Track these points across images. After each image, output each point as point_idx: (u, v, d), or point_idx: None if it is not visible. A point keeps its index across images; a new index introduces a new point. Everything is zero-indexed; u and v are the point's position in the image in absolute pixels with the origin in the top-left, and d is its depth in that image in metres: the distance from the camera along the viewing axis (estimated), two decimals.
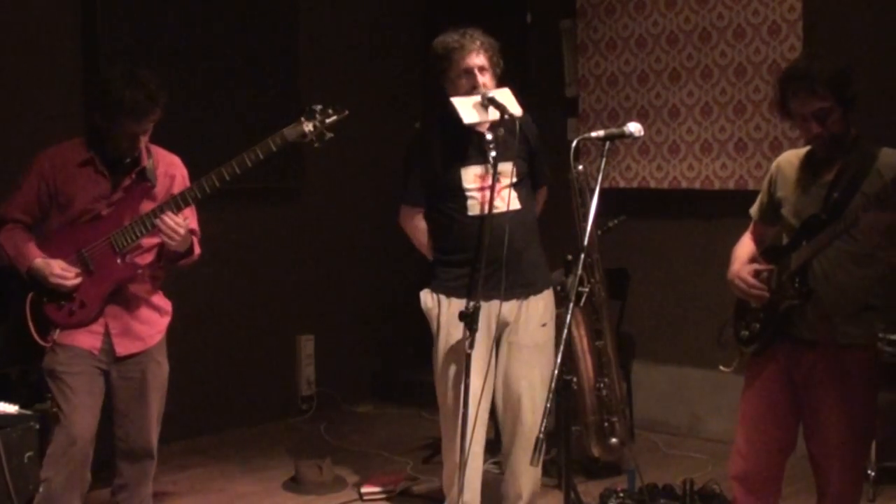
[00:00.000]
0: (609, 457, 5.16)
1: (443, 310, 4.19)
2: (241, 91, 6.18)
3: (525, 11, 6.67)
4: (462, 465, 4.01)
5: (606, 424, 5.06)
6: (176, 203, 3.90)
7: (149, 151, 4.04)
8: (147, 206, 3.98)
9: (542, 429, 3.11)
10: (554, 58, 6.49)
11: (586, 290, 3.36)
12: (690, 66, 5.94)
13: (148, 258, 4.06)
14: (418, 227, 4.31)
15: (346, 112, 4.03)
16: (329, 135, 4.01)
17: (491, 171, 4.03)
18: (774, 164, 3.77)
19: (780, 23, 5.62)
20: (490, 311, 4.07)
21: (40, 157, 4.03)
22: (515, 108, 4.04)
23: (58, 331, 3.96)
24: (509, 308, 4.19)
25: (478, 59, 4.12)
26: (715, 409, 5.84)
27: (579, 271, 3.33)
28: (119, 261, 3.97)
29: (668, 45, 6.02)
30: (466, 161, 4.18)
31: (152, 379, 4.10)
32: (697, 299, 6.00)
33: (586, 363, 5.05)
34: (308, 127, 3.98)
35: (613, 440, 5.06)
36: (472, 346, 3.88)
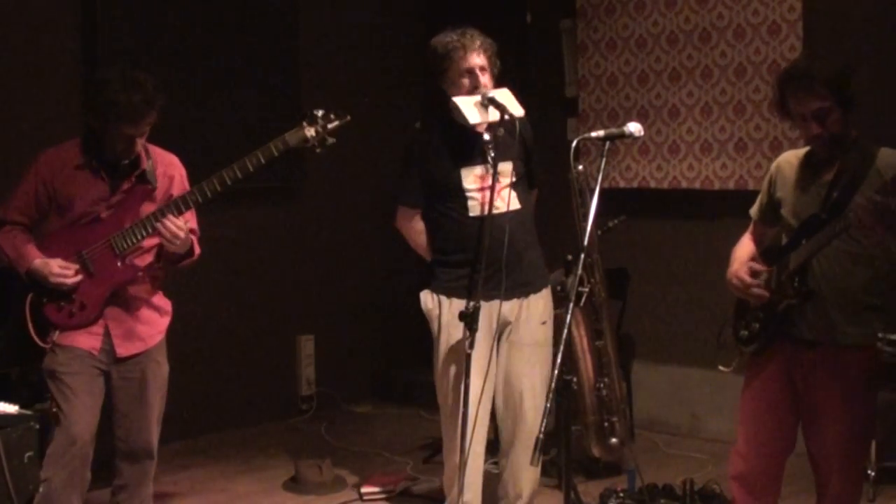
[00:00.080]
0: (609, 457, 5.16)
1: (443, 310, 4.19)
2: (240, 91, 6.18)
3: (525, 11, 6.67)
4: (462, 465, 4.01)
5: (606, 424, 5.06)
6: (177, 206, 3.89)
7: (147, 152, 4.03)
8: (147, 208, 3.98)
9: (542, 429, 3.12)
10: (554, 58, 6.49)
11: (586, 290, 3.36)
12: (690, 66, 5.94)
13: (148, 259, 4.06)
14: (416, 228, 4.31)
15: (349, 117, 4.03)
16: (331, 140, 4.01)
17: (491, 171, 4.03)
18: (774, 164, 3.77)
19: (780, 23, 5.62)
20: (491, 310, 4.07)
21: (39, 158, 4.03)
22: (516, 109, 4.04)
23: (57, 332, 3.95)
24: (510, 307, 4.19)
25: (478, 59, 4.12)
26: (715, 409, 5.84)
27: (579, 271, 3.33)
28: (119, 263, 3.96)
29: (668, 45, 6.01)
30: (466, 162, 4.18)
31: (152, 379, 4.10)
32: (697, 299, 6.00)
33: (586, 363, 5.05)
34: (310, 132, 3.98)
35: (613, 440, 5.06)
36: (472, 346, 3.88)
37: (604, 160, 3.50)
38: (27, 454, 3.96)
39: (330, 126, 4.00)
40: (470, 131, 4.16)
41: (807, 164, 3.62)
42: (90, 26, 5.65)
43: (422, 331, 4.41)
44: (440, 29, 4.24)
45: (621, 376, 5.17)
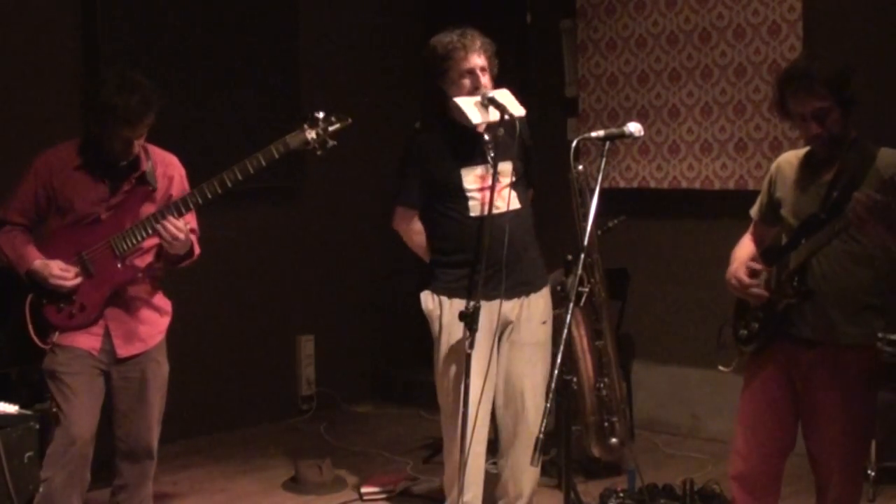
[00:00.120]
0: (609, 457, 5.15)
1: (444, 311, 4.18)
2: (240, 91, 6.18)
3: (525, 11, 6.67)
4: (462, 466, 4.01)
5: (606, 424, 5.05)
6: (177, 208, 3.89)
7: (147, 153, 4.03)
8: (147, 209, 3.98)
9: (542, 429, 3.12)
10: (554, 58, 6.49)
11: (586, 290, 3.36)
12: (690, 66, 5.94)
13: (147, 259, 4.06)
14: (414, 229, 4.30)
15: (350, 120, 4.03)
16: (332, 142, 4.00)
17: (491, 171, 4.03)
18: (774, 164, 3.77)
19: (780, 23, 5.62)
20: (492, 310, 4.07)
21: (38, 159, 4.03)
22: (516, 108, 4.05)
23: (57, 333, 3.95)
24: (511, 307, 4.20)
25: (479, 60, 4.13)
26: (715, 409, 5.84)
27: (579, 271, 3.33)
28: (119, 265, 3.97)
29: (668, 45, 6.01)
30: (466, 162, 4.18)
31: (152, 379, 4.10)
32: (697, 299, 6.00)
33: (586, 363, 5.04)
34: (311, 134, 3.98)
35: (613, 440, 5.05)
36: (472, 346, 3.88)
37: (604, 160, 3.50)
38: (27, 454, 3.96)
39: (331, 129, 4.00)
40: (471, 131, 4.16)
41: (807, 164, 3.62)
42: (90, 26, 5.65)
43: (422, 331, 4.41)
44: (440, 29, 4.24)
45: (621, 376, 5.17)
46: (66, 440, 3.94)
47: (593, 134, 3.64)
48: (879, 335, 3.46)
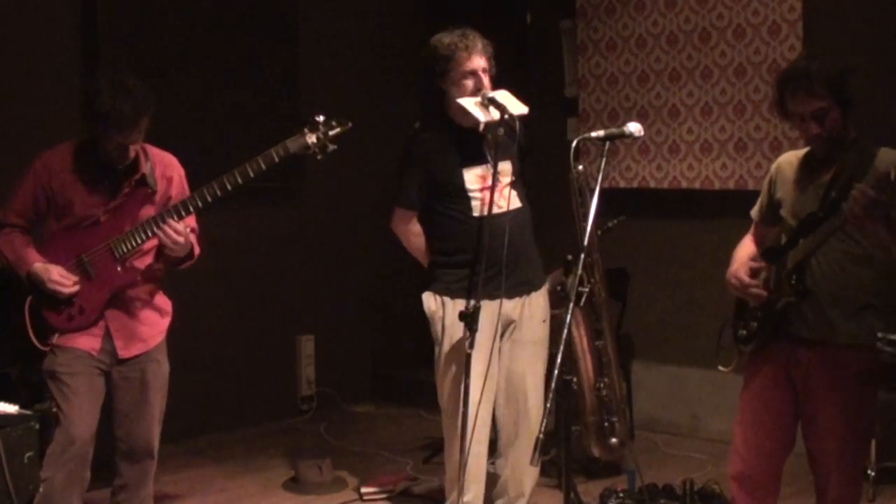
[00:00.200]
0: (609, 457, 5.16)
1: (447, 311, 4.18)
2: (240, 91, 6.18)
3: (525, 11, 6.68)
4: (462, 466, 4.01)
5: (606, 424, 5.05)
6: (177, 211, 3.90)
7: (146, 154, 4.03)
8: (147, 211, 3.98)
9: (542, 429, 3.12)
10: (554, 58, 6.49)
11: (586, 290, 3.36)
12: (690, 66, 5.94)
13: (147, 260, 4.06)
14: (414, 230, 4.30)
15: (350, 125, 4.03)
16: (332, 147, 4.00)
17: (491, 170, 4.03)
18: (774, 164, 3.77)
19: (780, 23, 5.62)
20: (496, 310, 4.07)
21: (37, 160, 4.02)
22: (517, 108, 4.05)
23: (56, 335, 3.95)
24: (513, 306, 4.21)
25: (481, 61, 4.14)
26: (715, 409, 5.84)
27: (579, 271, 3.33)
28: (119, 267, 3.96)
29: (668, 45, 6.01)
30: (467, 162, 4.18)
31: (153, 379, 4.10)
32: (697, 299, 6.00)
33: (586, 363, 5.05)
34: (311, 139, 3.98)
35: (613, 440, 5.05)
36: (472, 345, 3.88)
37: (604, 160, 3.50)
38: (27, 454, 3.95)
39: (331, 133, 4.00)
40: (470, 131, 4.17)
41: (806, 164, 3.62)
42: (90, 27, 5.65)
43: (422, 331, 4.41)
44: (440, 29, 4.25)
45: (621, 376, 5.17)
46: (65, 440, 3.94)
47: (593, 134, 3.64)
48: (879, 335, 3.46)
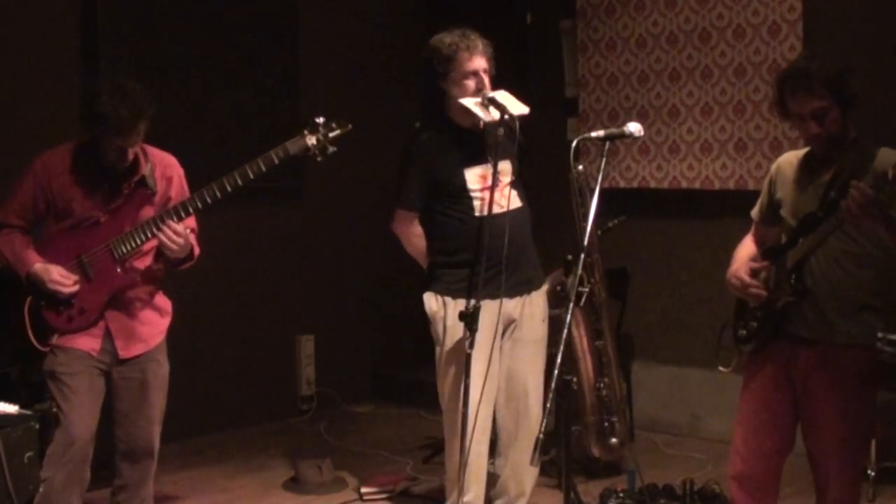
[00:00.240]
0: (609, 457, 5.17)
1: (449, 312, 4.17)
2: (240, 91, 6.18)
3: (525, 11, 6.68)
4: (462, 466, 4.01)
5: (606, 424, 5.06)
6: (177, 212, 3.90)
7: (146, 155, 4.02)
8: (147, 212, 3.98)
9: (542, 429, 3.12)
10: (554, 58, 6.49)
11: (586, 290, 3.36)
12: (690, 66, 5.94)
13: (147, 261, 4.06)
14: (415, 232, 4.30)
15: (350, 126, 4.03)
16: (332, 149, 4.00)
17: (491, 170, 4.04)
18: (774, 165, 3.77)
19: (780, 23, 5.62)
20: (497, 309, 4.07)
21: (37, 161, 4.01)
22: (518, 108, 4.06)
23: (56, 336, 3.95)
24: (514, 305, 4.22)
25: (482, 61, 4.15)
26: (715, 409, 5.84)
27: (579, 271, 3.33)
28: (118, 269, 3.96)
29: (668, 45, 6.02)
30: (468, 162, 4.19)
31: (153, 379, 4.10)
32: (697, 299, 6.00)
33: (586, 363, 5.06)
34: (311, 140, 3.98)
35: (613, 440, 5.06)
36: (472, 346, 3.88)
37: (604, 160, 3.50)
38: (27, 454, 3.95)
39: (331, 135, 4.00)
40: (470, 131, 4.17)
41: (806, 164, 3.62)
42: (90, 27, 5.65)
43: (422, 331, 4.41)
44: (440, 29, 4.25)
45: (621, 376, 5.18)
46: (65, 440, 3.94)
47: (593, 134, 3.64)
48: (879, 335, 3.46)
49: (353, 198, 6.75)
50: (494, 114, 4.01)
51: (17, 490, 3.88)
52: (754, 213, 3.84)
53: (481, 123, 4.11)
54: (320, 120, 4.00)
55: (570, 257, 4.40)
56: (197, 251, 4.11)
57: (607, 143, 3.55)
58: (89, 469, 4.03)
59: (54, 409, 3.99)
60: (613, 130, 3.64)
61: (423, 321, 4.31)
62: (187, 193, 4.08)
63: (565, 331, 3.26)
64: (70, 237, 3.97)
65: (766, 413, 3.67)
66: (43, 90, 5.51)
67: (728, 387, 4.24)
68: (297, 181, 6.44)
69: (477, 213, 4.14)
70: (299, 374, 6.66)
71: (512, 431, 4.30)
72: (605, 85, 6.25)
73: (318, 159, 4.01)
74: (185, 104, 5.86)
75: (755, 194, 3.87)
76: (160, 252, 4.02)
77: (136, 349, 4.05)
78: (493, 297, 4.05)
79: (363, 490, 5.23)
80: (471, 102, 4.07)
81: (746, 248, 3.80)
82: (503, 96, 4.08)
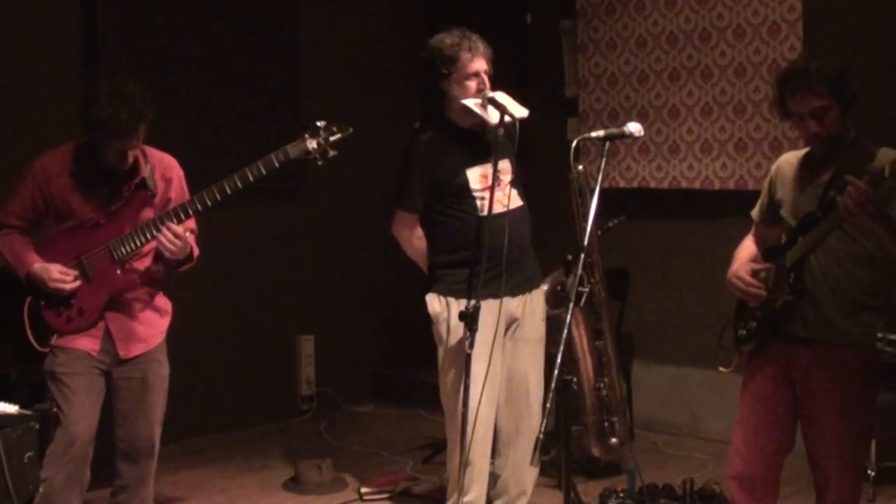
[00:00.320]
0: (609, 457, 5.17)
1: (452, 312, 4.16)
2: (240, 92, 6.17)
3: (525, 11, 6.68)
4: (462, 465, 4.01)
5: (606, 424, 5.07)
6: (177, 214, 3.90)
7: (145, 156, 4.02)
8: (147, 214, 3.98)
9: (542, 429, 3.12)
10: (554, 58, 6.49)
11: (586, 290, 3.36)
12: (690, 66, 5.94)
13: (146, 262, 4.06)
14: (417, 234, 4.29)
15: (351, 130, 4.03)
16: (332, 152, 4.00)
17: (491, 170, 4.04)
18: (774, 165, 3.78)
19: (780, 23, 5.62)
20: (501, 308, 4.08)
21: (36, 162, 4.01)
22: (517, 109, 4.06)
23: (55, 336, 3.95)
24: (516, 304, 4.23)
25: (483, 63, 4.15)
26: (715, 409, 5.84)
27: (579, 271, 3.33)
28: (118, 270, 3.96)
29: (668, 45, 6.02)
30: (469, 162, 4.19)
31: (153, 379, 4.10)
32: (697, 299, 6.00)
33: (586, 363, 5.06)
34: (312, 144, 3.98)
35: (613, 440, 5.07)
36: (472, 346, 3.88)
37: (604, 160, 3.50)
38: (27, 454, 3.96)
39: (332, 138, 4.00)
40: (470, 132, 4.17)
41: (806, 164, 3.63)
42: (90, 28, 5.65)
43: (422, 331, 4.41)
44: (440, 29, 4.25)
45: (621, 376, 5.18)
46: (65, 440, 3.94)
47: (593, 134, 3.64)
48: (879, 335, 3.46)
49: (353, 198, 6.75)
50: (494, 114, 4.01)
51: (17, 490, 3.89)
52: (754, 213, 3.84)
53: (487, 124, 4.11)
54: (321, 123, 4.00)
55: (570, 257, 4.41)
56: (196, 253, 4.11)
57: (607, 143, 3.55)
58: (89, 469, 4.03)
59: (54, 409, 4.00)
60: (613, 130, 3.64)
61: (422, 321, 4.31)
62: (187, 195, 4.08)
63: (565, 331, 3.26)
64: (70, 238, 3.97)
65: (766, 413, 3.67)
66: (43, 90, 5.51)
67: (728, 387, 4.24)
68: (297, 181, 6.44)
69: (481, 213, 4.14)
70: (299, 374, 6.66)
71: (513, 431, 4.31)
72: (605, 85, 6.26)
73: (319, 163, 4.01)
74: (185, 104, 5.86)
75: (755, 194, 3.87)
76: (160, 253, 4.02)
77: (136, 349, 4.05)
78: (495, 296, 4.05)
79: (363, 490, 5.23)
80: (475, 104, 4.08)
81: (747, 249, 3.81)
82: (503, 97, 4.08)
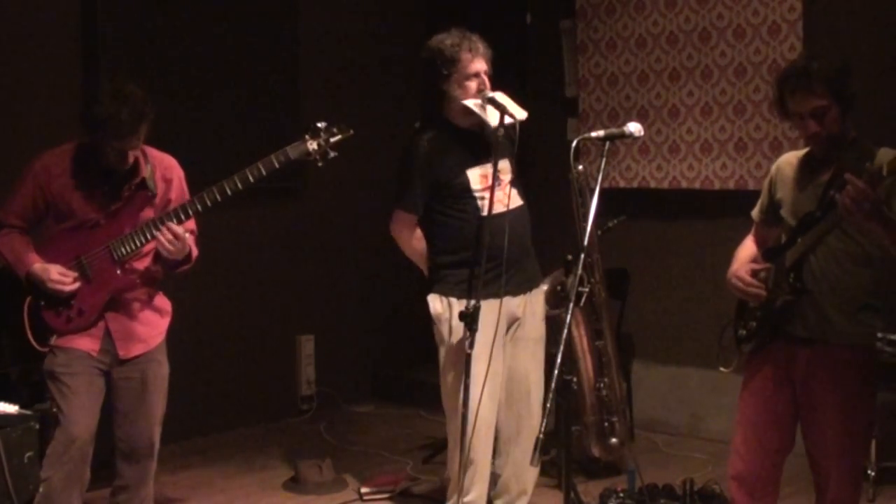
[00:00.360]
0: (609, 457, 5.17)
1: (454, 312, 4.15)
2: (241, 93, 6.17)
3: (525, 11, 6.68)
4: (462, 465, 4.01)
5: (606, 424, 5.07)
6: (177, 215, 3.90)
7: (146, 157, 4.02)
8: (147, 214, 3.98)
9: (542, 429, 3.12)
10: (554, 58, 6.49)
11: (586, 290, 3.36)
12: (690, 66, 5.94)
13: (146, 262, 4.06)
14: (416, 234, 4.29)
15: (351, 132, 4.03)
16: (333, 154, 4.00)
17: (491, 170, 4.04)
18: (775, 165, 3.78)
19: (780, 23, 5.62)
20: (503, 308, 4.07)
21: (36, 162, 4.01)
22: (517, 112, 4.06)
23: (55, 336, 3.95)
24: (518, 303, 4.23)
25: (483, 63, 4.16)
26: (715, 409, 5.84)
27: (579, 271, 3.33)
28: (118, 270, 3.96)
29: (668, 45, 6.02)
30: (470, 163, 4.19)
31: (153, 379, 4.10)
32: (697, 299, 6.00)
33: (586, 363, 5.06)
34: (312, 145, 3.98)
35: (613, 440, 5.07)
36: (471, 346, 3.88)
37: (604, 160, 3.50)
38: (27, 454, 3.96)
39: (332, 140, 4.00)
40: (468, 132, 4.18)
41: (806, 164, 3.63)
42: (90, 28, 5.65)
43: (422, 331, 4.41)
44: (440, 29, 4.25)
45: (621, 376, 5.18)
46: (65, 440, 3.94)
47: (593, 134, 3.64)
48: (879, 335, 3.46)
49: (353, 198, 6.75)
50: (494, 114, 4.01)
51: (17, 490, 3.89)
52: (754, 213, 3.84)
53: (487, 125, 4.11)
54: (321, 125, 4.00)
55: (570, 257, 4.40)
56: (195, 254, 4.11)
57: (607, 143, 3.55)
58: (89, 469, 4.03)
59: (54, 410, 4.00)
60: (613, 130, 3.65)
61: (422, 321, 4.31)
62: (187, 195, 4.08)
63: (565, 331, 3.26)
64: (70, 238, 3.97)
65: (766, 413, 3.67)
66: (43, 90, 5.51)
67: (728, 387, 4.24)
68: (298, 181, 6.43)
69: (483, 213, 4.14)
70: (299, 374, 6.66)
71: (514, 430, 4.30)
72: (605, 85, 6.26)
73: (319, 164, 4.02)
74: (185, 104, 5.86)
75: (755, 194, 3.87)
76: (159, 253, 4.02)
77: (136, 350, 4.05)
78: (496, 295, 4.05)
79: (363, 490, 5.23)
80: (475, 104, 4.08)
81: (747, 249, 3.81)
82: (503, 98, 4.08)
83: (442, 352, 4.23)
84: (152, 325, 4.11)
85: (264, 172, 3.92)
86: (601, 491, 4.91)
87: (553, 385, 3.20)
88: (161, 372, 4.14)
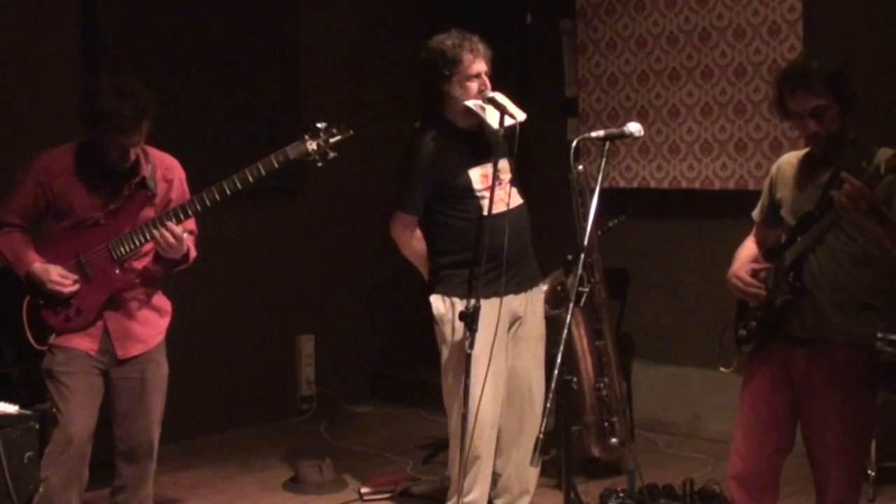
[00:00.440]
0: (609, 457, 5.17)
1: (457, 312, 4.14)
2: (241, 93, 6.18)
3: (525, 11, 6.68)
4: (462, 465, 4.01)
5: (606, 424, 5.07)
6: (176, 215, 3.90)
7: (146, 156, 4.02)
8: (147, 214, 3.98)
9: (542, 429, 3.12)
10: (554, 58, 6.49)
11: (586, 290, 3.36)
12: (690, 66, 5.94)
13: (145, 262, 4.06)
14: (417, 235, 4.28)
15: (351, 132, 4.03)
16: (332, 154, 4.00)
17: (491, 170, 4.04)
18: (775, 165, 3.78)
19: (780, 23, 5.62)
20: (505, 308, 4.07)
21: (37, 161, 4.02)
22: (516, 112, 4.06)
23: (54, 335, 3.95)
24: (519, 302, 4.24)
25: (484, 64, 4.16)
26: (715, 409, 5.84)
27: (579, 271, 3.33)
28: (117, 270, 3.96)
29: (668, 45, 6.01)
30: (471, 163, 4.19)
31: (152, 379, 4.10)
32: (697, 299, 6.00)
33: (586, 363, 5.06)
34: (312, 146, 3.98)
35: (613, 440, 5.07)
36: (472, 346, 3.88)
37: (604, 160, 3.50)
38: (27, 454, 3.95)
39: (332, 140, 4.01)
40: (468, 132, 4.18)
41: (806, 164, 3.63)
42: (91, 27, 5.65)
43: (422, 331, 4.40)
44: (441, 29, 4.24)
45: (621, 376, 5.19)
46: (63, 439, 3.94)
47: (593, 134, 3.64)
48: (879, 335, 3.46)
49: (353, 197, 6.75)
50: (494, 114, 4.01)
51: (17, 490, 3.88)
52: (755, 214, 3.84)
53: (487, 125, 4.10)
54: (321, 125, 4.01)
55: (570, 257, 4.41)
56: (193, 254, 4.11)
57: (607, 143, 3.55)
58: (88, 469, 4.04)
59: (53, 410, 3.99)
60: (613, 130, 3.64)
61: (422, 321, 4.31)
62: (188, 195, 4.08)
63: (565, 331, 3.26)
64: (70, 237, 3.97)
65: (766, 413, 3.67)
66: (43, 90, 5.51)
67: (728, 387, 4.24)
68: (298, 181, 6.43)
69: (485, 213, 4.13)
70: (299, 374, 6.66)
71: (515, 429, 4.30)
72: (605, 85, 6.26)
73: (319, 164, 4.02)
74: (185, 104, 5.86)
75: (755, 194, 3.87)
76: (158, 253, 4.02)
77: (135, 349, 4.05)
78: (497, 295, 4.05)
79: (363, 490, 5.23)
80: (476, 105, 4.08)
81: (747, 249, 3.81)
82: (502, 98, 4.08)
83: (444, 352, 4.23)
84: (151, 325, 4.11)
85: (264, 172, 3.92)
86: (601, 491, 4.91)
87: (553, 385, 3.20)
88: (160, 372, 4.14)
